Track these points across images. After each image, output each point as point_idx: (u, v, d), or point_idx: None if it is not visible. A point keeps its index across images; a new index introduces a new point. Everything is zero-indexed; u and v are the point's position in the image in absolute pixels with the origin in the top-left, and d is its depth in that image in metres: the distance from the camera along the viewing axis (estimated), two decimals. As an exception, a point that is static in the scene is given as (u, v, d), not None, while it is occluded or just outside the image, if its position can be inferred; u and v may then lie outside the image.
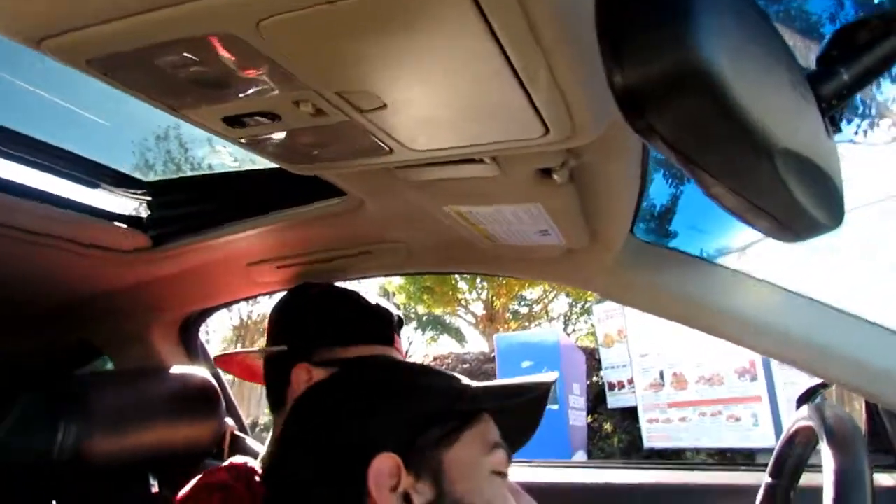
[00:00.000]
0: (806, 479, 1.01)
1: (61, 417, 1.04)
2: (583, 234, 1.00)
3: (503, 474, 0.77)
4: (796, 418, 0.98)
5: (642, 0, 0.31)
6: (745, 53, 0.32)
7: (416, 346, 16.48)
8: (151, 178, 1.16)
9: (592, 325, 11.10)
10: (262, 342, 1.17)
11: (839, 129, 0.46)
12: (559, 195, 0.84)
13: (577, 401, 8.32)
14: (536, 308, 16.35)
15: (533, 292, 15.68)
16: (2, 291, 1.24)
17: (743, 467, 1.48)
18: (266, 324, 1.19)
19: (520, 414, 0.85)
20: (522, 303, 16.32)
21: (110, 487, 1.14)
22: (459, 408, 0.77)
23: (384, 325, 1.13)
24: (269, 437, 1.12)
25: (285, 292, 1.20)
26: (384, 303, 1.17)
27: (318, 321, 1.11)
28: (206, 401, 1.33)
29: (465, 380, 0.83)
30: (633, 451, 8.22)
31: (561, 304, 16.33)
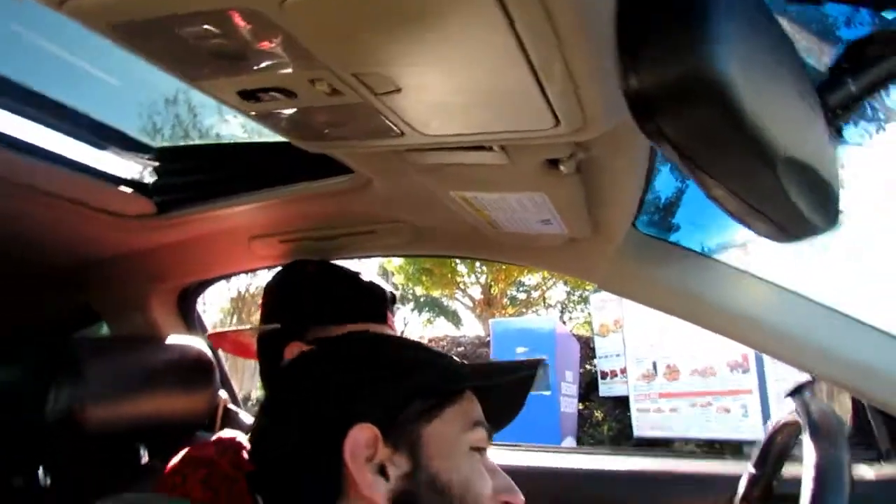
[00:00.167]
0: (788, 470, 1.04)
1: (54, 379, 1.04)
2: (585, 224, 1.01)
3: (482, 451, 0.77)
4: (782, 412, 1.00)
5: (660, 6, 0.32)
6: (756, 63, 0.33)
7: (413, 328, 16.54)
8: (158, 142, 1.16)
9: (589, 314, 11.12)
10: (258, 316, 1.18)
11: (843, 138, 0.47)
12: (564, 186, 0.85)
13: (569, 388, 8.36)
14: (534, 295, 16.38)
15: (532, 279, 15.69)
16: (5, 248, 1.24)
17: (728, 457, 1.51)
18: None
19: (505, 394, 0.86)
20: (521, 289, 16.34)
21: (100, 455, 1.14)
22: (443, 384, 0.78)
23: (378, 303, 1.14)
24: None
25: (280, 268, 1.21)
26: (378, 280, 1.18)
27: (311, 299, 1.11)
28: (201, 372, 1.34)
29: (453, 358, 0.83)
30: (623, 439, 8.27)
31: (559, 291, 16.38)
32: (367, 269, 1.18)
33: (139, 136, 1.14)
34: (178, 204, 1.15)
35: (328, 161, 0.87)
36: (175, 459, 0.99)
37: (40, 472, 1.09)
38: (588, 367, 9.52)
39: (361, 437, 0.70)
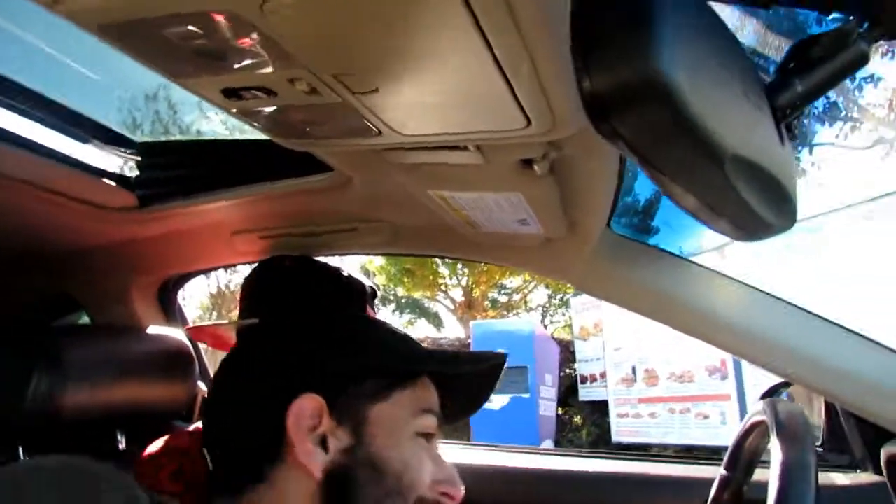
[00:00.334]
0: (760, 475, 1.03)
1: (35, 366, 1.04)
2: (560, 224, 1.03)
3: (429, 438, 0.78)
4: (751, 413, 1.02)
5: (610, 11, 0.34)
6: (701, 64, 0.35)
7: (394, 328, 16.43)
8: (139, 137, 1.16)
9: (570, 318, 11.17)
10: (237, 313, 1.18)
11: (795, 136, 0.49)
12: (539, 186, 0.86)
13: (548, 391, 8.40)
14: (516, 297, 16.42)
15: (513, 281, 15.74)
16: None
17: (703, 461, 1.53)
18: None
19: (467, 386, 0.87)
20: (502, 291, 16.38)
21: (78, 440, 1.15)
22: (397, 366, 0.79)
23: (357, 297, 1.14)
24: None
25: (258, 263, 1.21)
26: (357, 274, 1.18)
27: (289, 294, 1.11)
28: (180, 363, 1.35)
29: (415, 342, 0.84)
30: (602, 444, 8.31)
31: (540, 294, 16.42)
32: (349, 268, 1.19)
33: (119, 130, 1.15)
34: (160, 198, 1.15)
35: (310, 159, 0.88)
36: (150, 448, 1.00)
37: (20, 456, 1.10)
38: (568, 370, 9.56)
39: (307, 407, 0.71)
